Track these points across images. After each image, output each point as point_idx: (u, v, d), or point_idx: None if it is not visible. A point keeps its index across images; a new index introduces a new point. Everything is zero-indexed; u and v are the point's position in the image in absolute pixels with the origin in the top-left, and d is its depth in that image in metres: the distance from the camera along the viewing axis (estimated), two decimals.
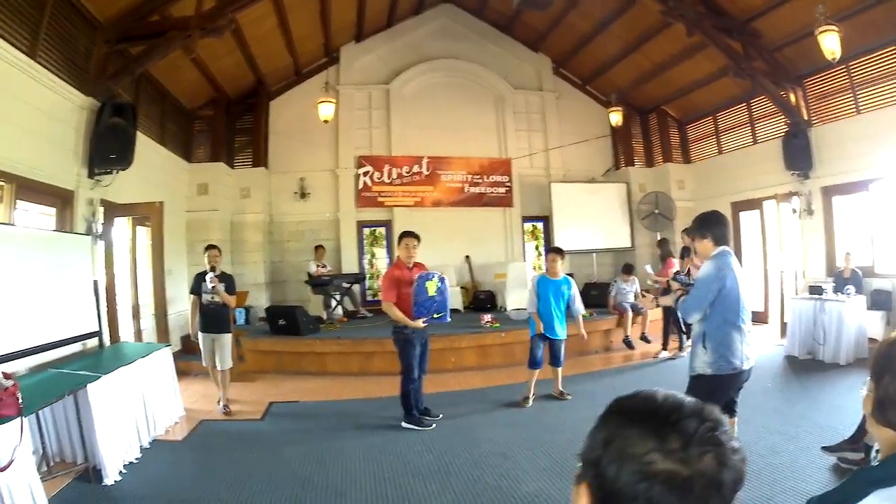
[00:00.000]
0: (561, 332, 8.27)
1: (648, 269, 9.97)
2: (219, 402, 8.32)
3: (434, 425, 7.38)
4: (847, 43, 9.68)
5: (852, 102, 11.63)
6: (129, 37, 9.44)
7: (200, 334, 8.33)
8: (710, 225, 4.95)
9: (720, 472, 0.99)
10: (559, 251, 8.59)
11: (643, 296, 12.01)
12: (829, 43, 9.44)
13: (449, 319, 7.54)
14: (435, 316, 7.28)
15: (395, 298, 7.19)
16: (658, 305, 11.12)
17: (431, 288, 7.25)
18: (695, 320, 4.96)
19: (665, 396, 1.09)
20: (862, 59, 11.20)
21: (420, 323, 7.18)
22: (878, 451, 1.89)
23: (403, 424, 7.33)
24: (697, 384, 4.77)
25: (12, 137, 7.09)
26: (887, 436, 1.79)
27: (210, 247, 8.49)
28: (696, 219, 5.11)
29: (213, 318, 8.29)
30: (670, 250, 11.76)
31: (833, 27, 9.39)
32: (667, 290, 11.12)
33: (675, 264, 11.00)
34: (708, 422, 1.02)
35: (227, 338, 8.39)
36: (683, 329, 10.78)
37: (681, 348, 10.95)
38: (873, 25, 10.35)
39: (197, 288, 8.29)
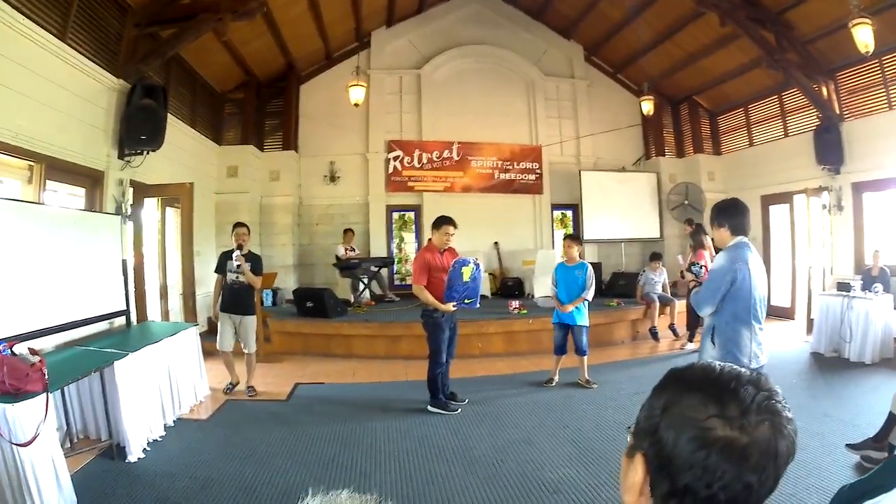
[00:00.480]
0: (579, 318, 8.28)
1: (681, 258, 9.88)
2: (230, 385, 8.29)
3: (459, 410, 7.39)
4: (880, 37, 9.54)
5: (885, 97, 11.42)
6: (159, 20, 9.50)
7: (221, 314, 8.19)
8: (728, 214, 4.77)
9: (776, 441, 1.00)
10: (575, 237, 8.70)
11: (682, 277, 11.86)
12: (863, 36, 9.28)
13: (478, 305, 7.59)
14: (466, 301, 7.32)
15: (426, 282, 7.21)
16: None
17: (467, 273, 7.30)
18: (706, 314, 4.82)
19: (722, 366, 1.10)
20: (895, 54, 11.01)
21: (451, 306, 7.20)
22: None
23: (429, 408, 7.34)
24: None
25: (42, 118, 7.15)
26: None
27: (238, 224, 8.38)
28: (714, 207, 4.95)
29: (236, 298, 8.17)
30: (703, 240, 11.54)
31: (867, 20, 9.23)
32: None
33: (706, 255, 10.84)
34: (764, 391, 1.04)
35: (252, 320, 8.34)
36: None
37: (690, 338, 10.94)
38: None
39: (222, 266, 8.19)
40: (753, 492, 0.99)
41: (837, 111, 12.12)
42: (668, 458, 1.02)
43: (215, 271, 8.33)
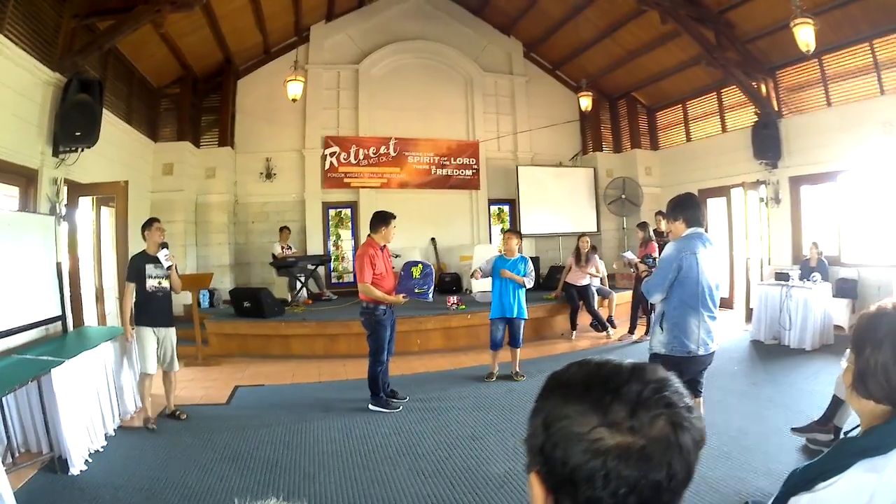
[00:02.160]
0: (517, 310, 8.40)
1: (629, 255, 10.05)
2: (158, 413, 7.10)
3: (401, 407, 7.43)
4: (821, 36, 9.81)
5: (823, 95, 11.85)
6: (97, 11, 9.24)
7: (141, 330, 6.92)
8: (682, 207, 5.01)
9: (677, 435, 0.93)
10: (515, 231, 8.91)
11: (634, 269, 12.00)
12: (804, 35, 9.55)
13: (431, 299, 7.73)
14: (417, 291, 7.44)
15: (371, 279, 7.18)
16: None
17: (416, 272, 7.53)
18: (656, 300, 5.02)
19: (601, 363, 1.04)
20: (835, 54, 11.40)
21: (401, 298, 7.34)
22: (857, 426, 1.92)
23: (371, 407, 7.36)
24: (653, 362, 4.76)
25: None
26: (869, 408, 1.82)
27: (154, 220, 7.28)
28: (669, 202, 5.16)
29: (162, 307, 7.12)
30: (651, 234, 11.76)
31: (808, 20, 9.50)
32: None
33: (656, 247, 11.04)
34: (652, 383, 0.97)
35: (174, 331, 7.27)
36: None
37: (647, 332, 10.98)
38: (848, 21, 10.53)
39: (140, 272, 6.95)
40: (665, 489, 0.92)
41: (776, 108, 12.54)
42: (563, 475, 0.95)
43: (129, 280, 7.00)
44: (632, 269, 11.41)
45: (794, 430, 5.66)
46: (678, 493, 0.95)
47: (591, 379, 1.00)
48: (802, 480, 1.83)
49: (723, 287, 12.44)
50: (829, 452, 1.86)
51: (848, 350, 1.99)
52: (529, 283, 8.36)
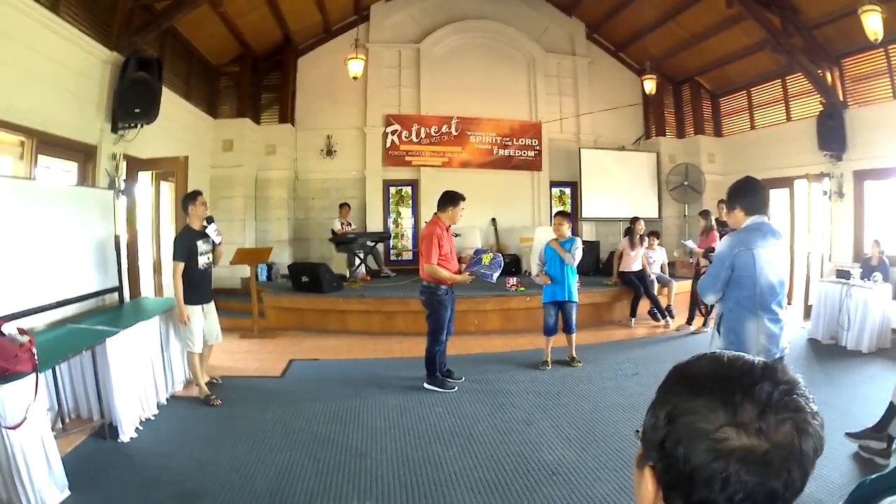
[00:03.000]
0: (568, 293, 8.25)
1: (690, 243, 9.84)
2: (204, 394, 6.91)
3: (456, 388, 7.38)
4: (888, 26, 9.41)
5: (889, 86, 11.34)
6: None
7: (192, 308, 6.81)
8: (739, 194, 4.47)
9: (800, 441, 0.91)
10: (566, 214, 8.69)
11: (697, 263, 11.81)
12: (872, 23, 9.19)
13: (494, 280, 7.65)
14: (483, 271, 7.45)
15: (437, 261, 7.16)
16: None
17: (486, 259, 7.54)
18: (710, 301, 4.67)
19: (732, 358, 1.00)
20: None
21: (468, 275, 7.39)
22: None
23: (426, 385, 7.35)
24: None
25: (34, 92, 7.03)
26: None
27: (197, 194, 7.10)
28: (728, 190, 4.62)
29: (208, 284, 7.13)
30: (713, 223, 11.54)
31: (877, 7, 9.13)
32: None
33: (717, 237, 10.83)
34: (782, 384, 0.94)
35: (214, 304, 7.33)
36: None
37: (704, 323, 10.85)
38: None
39: (191, 250, 6.79)
40: (779, 497, 0.90)
41: (841, 98, 12.00)
42: (681, 473, 0.93)
43: (179, 259, 6.72)
44: (691, 259, 11.25)
45: (847, 434, 5.41)
46: (790, 502, 0.93)
47: (723, 374, 0.97)
48: (870, 492, 1.76)
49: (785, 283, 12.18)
50: None
51: None
52: (572, 262, 8.15)
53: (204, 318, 7.00)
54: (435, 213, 7.51)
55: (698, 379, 0.98)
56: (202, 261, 6.89)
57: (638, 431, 1.06)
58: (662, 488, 0.97)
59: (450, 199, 7.39)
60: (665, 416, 0.97)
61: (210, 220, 7.04)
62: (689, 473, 0.91)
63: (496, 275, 7.56)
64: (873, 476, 1.85)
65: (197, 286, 6.85)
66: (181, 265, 6.70)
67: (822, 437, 0.94)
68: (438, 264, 7.14)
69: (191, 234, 6.88)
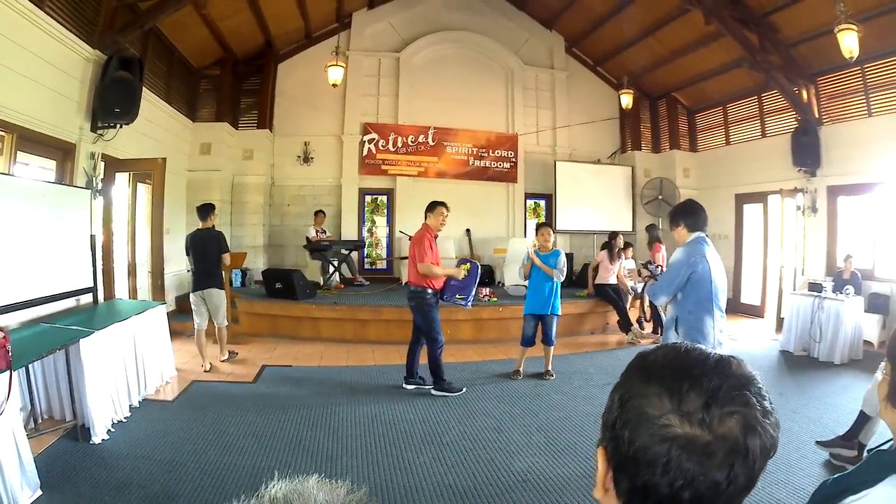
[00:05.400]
0: (551, 307, 8.23)
1: (630, 263, 10.07)
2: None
3: (465, 390, 7.52)
4: (864, 45, 9.61)
5: (864, 105, 11.60)
6: None
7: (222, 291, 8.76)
8: (682, 214, 5.10)
9: (746, 438, 0.90)
10: (549, 226, 8.69)
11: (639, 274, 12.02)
12: (849, 42, 9.37)
13: (470, 306, 7.90)
14: (458, 297, 7.58)
15: (432, 260, 7.33)
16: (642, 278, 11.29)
17: (463, 270, 7.65)
18: (662, 303, 5.23)
19: (690, 349, 1.02)
20: (878, 63, 11.15)
21: (462, 271, 7.57)
22: (890, 439, 1.87)
23: (433, 392, 7.45)
24: None
25: (15, 87, 6.98)
26: None
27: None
28: (669, 212, 5.31)
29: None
30: (658, 235, 11.90)
31: (853, 26, 9.31)
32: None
33: (663, 248, 11.13)
34: (732, 378, 0.94)
35: None
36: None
37: (657, 331, 11.34)
38: (893, 30, 10.25)
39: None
40: (722, 491, 0.90)
41: (816, 115, 12.27)
42: (626, 455, 0.95)
43: (226, 251, 8.77)
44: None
45: (818, 443, 5.59)
46: (736, 499, 0.93)
47: (675, 363, 0.99)
48: (832, 492, 1.80)
49: (755, 294, 12.45)
50: (861, 466, 1.82)
51: (884, 362, 1.93)
52: (559, 277, 8.13)
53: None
54: (424, 222, 7.63)
55: (653, 366, 1.01)
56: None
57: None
58: (612, 469, 1.00)
59: (430, 206, 7.58)
60: (618, 399, 1.01)
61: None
62: (633, 455, 0.94)
63: (471, 297, 7.72)
64: (835, 476, 1.88)
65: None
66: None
67: (774, 436, 0.94)
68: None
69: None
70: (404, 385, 7.67)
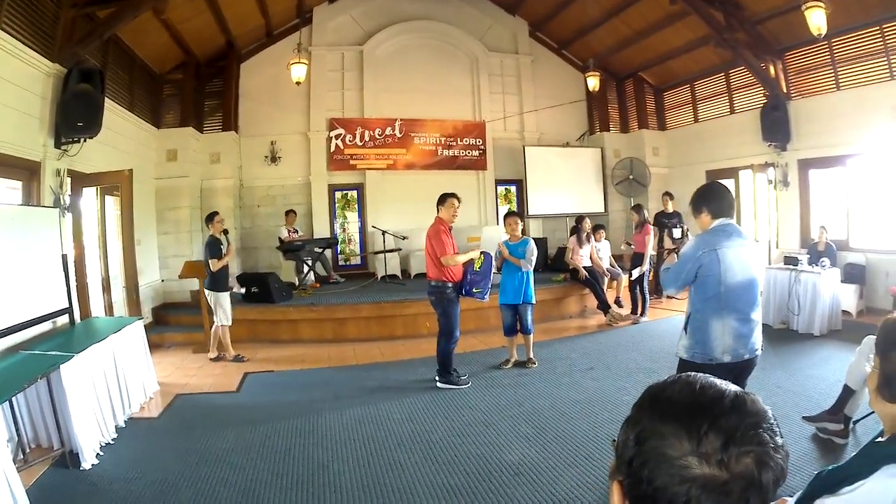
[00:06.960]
0: (524, 296, 8.29)
1: (624, 246, 10.07)
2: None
3: (470, 383, 7.63)
4: (832, 19, 9.64)
5: (833, 78, 11.73)
6: None
7: (226, 294, 9.44)
8: (705, 198, 4.45)
9: (760, 474, 0.94)
10: (517, 214, 8.81)
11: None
12: (816, 18, 9.39)
13: (486, 299, 7.82)
14: (475, 290, 7.58)
15: (450, 251, 7.40)
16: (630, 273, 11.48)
17: (477, 264, 7.67)
18: (671, 293, 4.93)
19: (705, 385, 1.04)
20: (845, 37, 11.24)
21: (478, 253, 7.65)
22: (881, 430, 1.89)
23: (439, 385, 7.55)
24: (680, 367, 4.43)
25: None
26: (894, 412, 1.80)
27: (216, 213, 9.65)
28: (693, 194, 4.57)
29: (228, 276, 9.66)
30: (646, 216, 11.89)
31: (820, 3, 9.35)
32: (638, 258, 11.34)
33: (652, 230, 11.13)
34: (749, 418, 0.98)
35: None
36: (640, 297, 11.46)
37: (635, 311, 11.61)
38: (859, 4, 10.37)
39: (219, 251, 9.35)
40: None
41: (785, 90, 12.40)
42: (644, 493, 0.98)
43: (214, 257, 9.27)
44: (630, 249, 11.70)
45: (805, 418, 5.63)
46: None
47: (691, 401, 1.01)
48: (827, 483, 1.82)
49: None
50: (855, 457, 1.85)
51: (872, 354, 1.94)
52: (528, 267, 8.19)
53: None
54: (437, 215, 7.71)
55: (669, 404, 1.03)
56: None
57: (614, 441, 1.11)
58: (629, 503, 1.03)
59: (441, 199, 7.69)
60: (635, 437, 1.03)
61: (226, 231, 9.55)
62: (653, 494, 0.96)
63: (488, 290, 7.72)
64: (829, 467, 1.91)
65: (224, 277, 9.41)
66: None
67: (784, 468, 0.98)
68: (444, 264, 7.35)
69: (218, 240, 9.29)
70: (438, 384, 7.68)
